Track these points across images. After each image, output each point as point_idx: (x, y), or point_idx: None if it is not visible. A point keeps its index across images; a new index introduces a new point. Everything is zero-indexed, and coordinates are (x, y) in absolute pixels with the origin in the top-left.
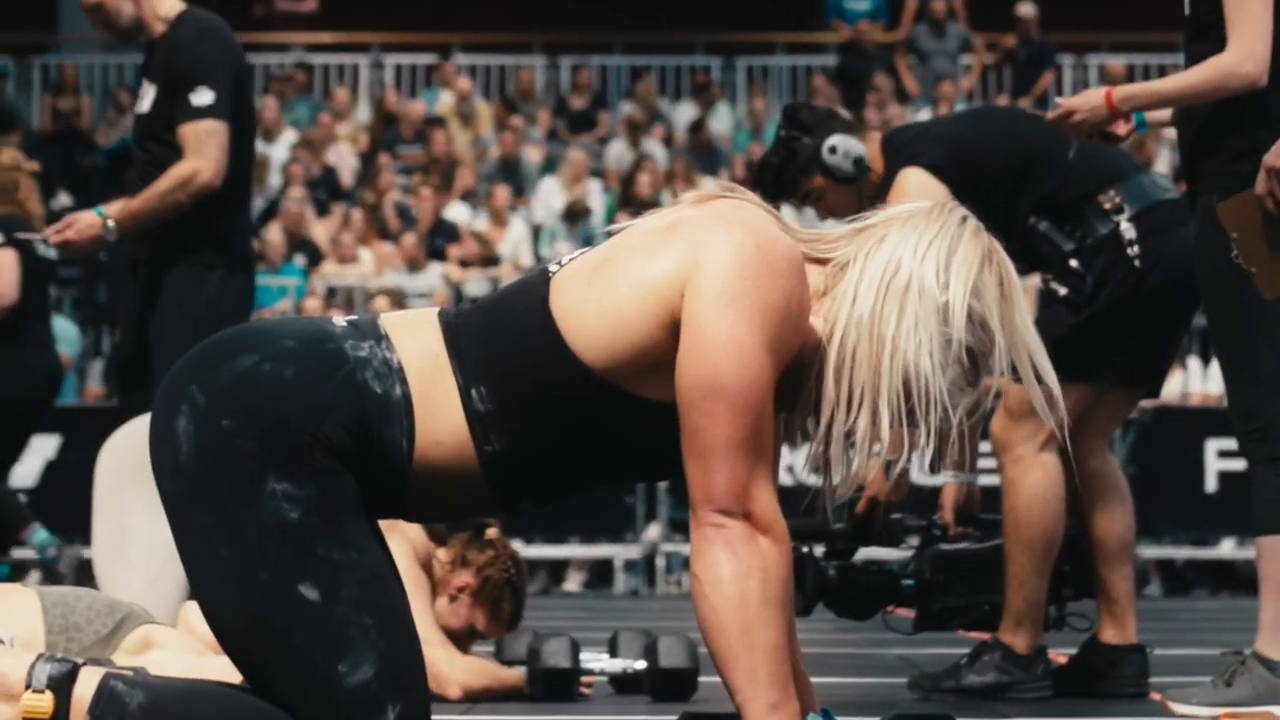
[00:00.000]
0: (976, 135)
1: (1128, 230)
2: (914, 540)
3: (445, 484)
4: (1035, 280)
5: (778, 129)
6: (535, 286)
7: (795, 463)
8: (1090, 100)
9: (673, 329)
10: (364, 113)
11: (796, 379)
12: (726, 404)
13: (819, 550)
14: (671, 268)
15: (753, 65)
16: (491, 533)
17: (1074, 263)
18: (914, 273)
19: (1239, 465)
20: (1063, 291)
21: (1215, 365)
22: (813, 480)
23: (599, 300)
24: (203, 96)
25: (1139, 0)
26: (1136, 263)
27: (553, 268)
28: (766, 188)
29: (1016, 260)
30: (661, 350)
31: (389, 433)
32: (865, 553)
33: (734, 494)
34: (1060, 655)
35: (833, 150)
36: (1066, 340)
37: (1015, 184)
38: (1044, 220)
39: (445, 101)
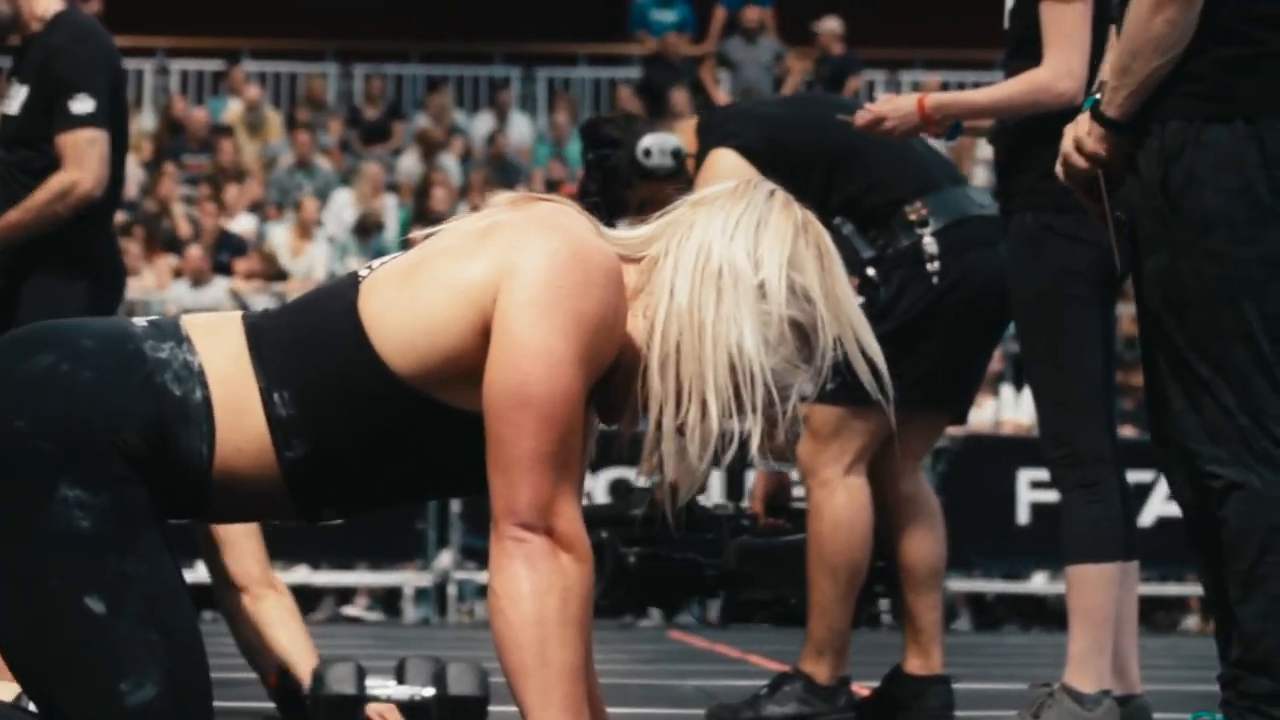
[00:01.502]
0: (795, 119)
1: (930, 245)
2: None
3: (245, 491)
4: None
5: (583, 153)
6: (344, 290)
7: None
8: (902, 106)
9: (484, 335)
10: (148, 120)
11: (625, 384)
12: (534, 415)
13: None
14: (485, 272)
15: (554, 77)
16: None
17: (870, 271)
18: (725, 255)
19: (1052, 496)
20: (859, 300)
21: (1028, 393)
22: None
23: (409, 304)
24: (83, 104)
25: (955, 16)
26: (935, 279)
27: (363, 271)
28: (598, 214)
29: None
30: (472, 357)
31: (187, 437)
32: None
33: (537, 508)
34: (863, 688)
35: (647, 153)
36: None
37: (825, 177)
38: (849, 223)
39: (233, 109)
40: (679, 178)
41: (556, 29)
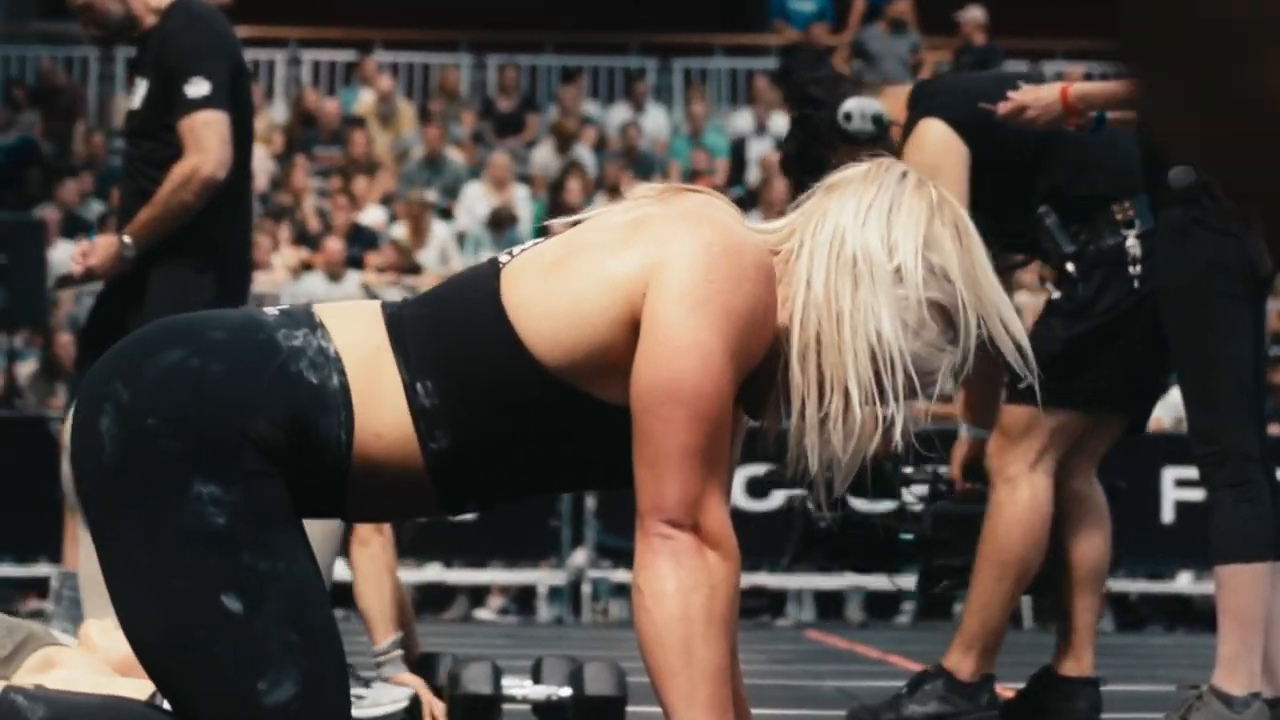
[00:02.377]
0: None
1: (1134, 247)
2: (920, 492)
3: (385, 482)
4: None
5: (789, 112)
6: (485, 279)
7: None
8: (1044, 96)
9: (633, 329)
10: (279, 112)
11: (769, 378)
12: (685, 410)
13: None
14: (635, 265)
15: (690, 67)
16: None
17: (1070, 267)
18: (859, 241)
19: (1196, 495)
20: (1056, 295)
21: (1175, 391)
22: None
23: (556, 295)
24: (198, 87)
25: (1099, 5)
26: (1136, 283)
27: (503, 258)
28: (794, 173)
29: (1023, 247)
30: (619, 350)
31: (325, 425)
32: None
33: (684, 505)
34: (1006, 689)
35: (848, 117)
36: (1061, 357)
37: (1033, 160)
38: (1053, 214)
39: (365, 101)
40: (879, 144)
41: (692, 19)
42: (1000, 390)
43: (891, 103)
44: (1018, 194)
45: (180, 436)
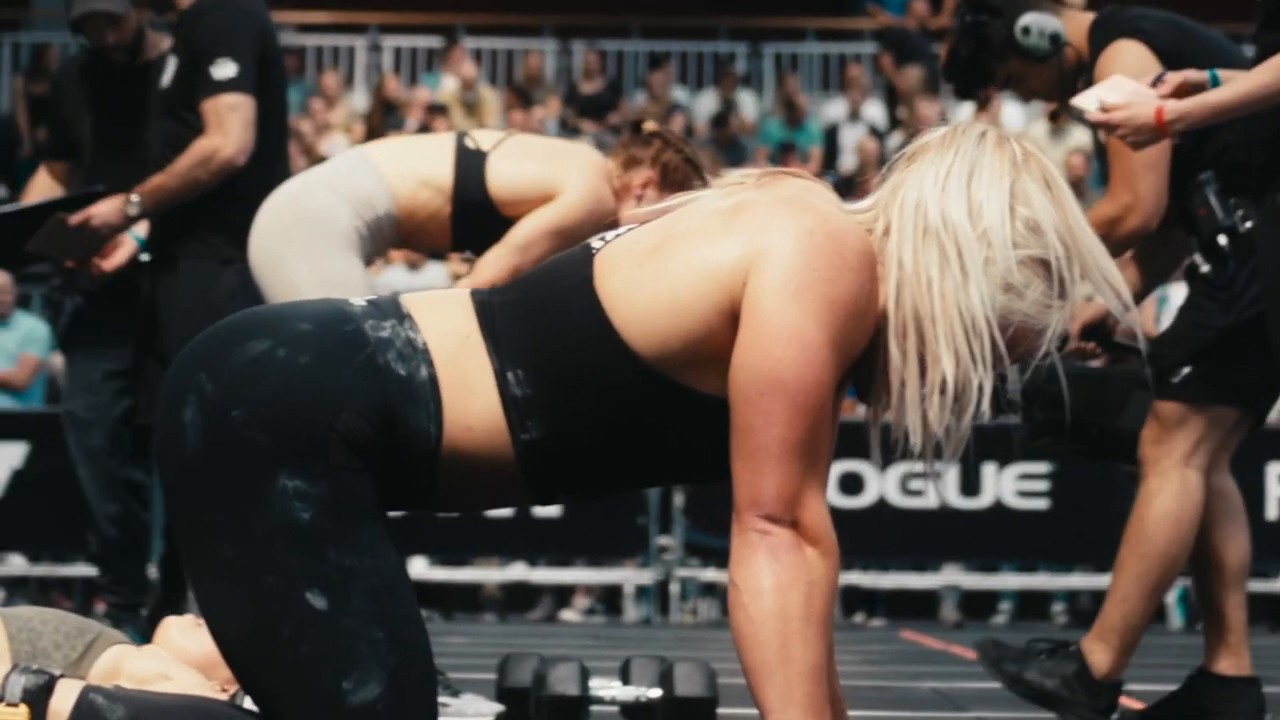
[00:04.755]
0: (1197, 34)
1: None
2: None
3: (475, 473)
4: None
5: (959, 14)
6: (578, 265)
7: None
8: (1138, 116)
9: (732, 318)
10: (360, 100)
11: (873, 363)
12: (785, 402)
13: None
14: (735, 253)
15: (781, 52)
16: (649, 125)
17: (1223, 241)
18: (941, 211)
19: None
20: (1205, 268)
21: None
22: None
23: (653, 283)
24: (224, 69)
25: None
26: None
27: (595, 244)
28: (959, 80)
29: (1175, 217)
30: (719, 340)
31: (414, 417)
32: None
33: (783, 500)
34: (1133, 701)
35: (1026, 31)
36: (1218, 348)
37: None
38: (1216, 183)
39: (448, 88)
40: (1051, 62)
41: (784, 3)
42: (1150, 273)
43: (1072, 25)
44: (1190, 153)
45: (265, 429)
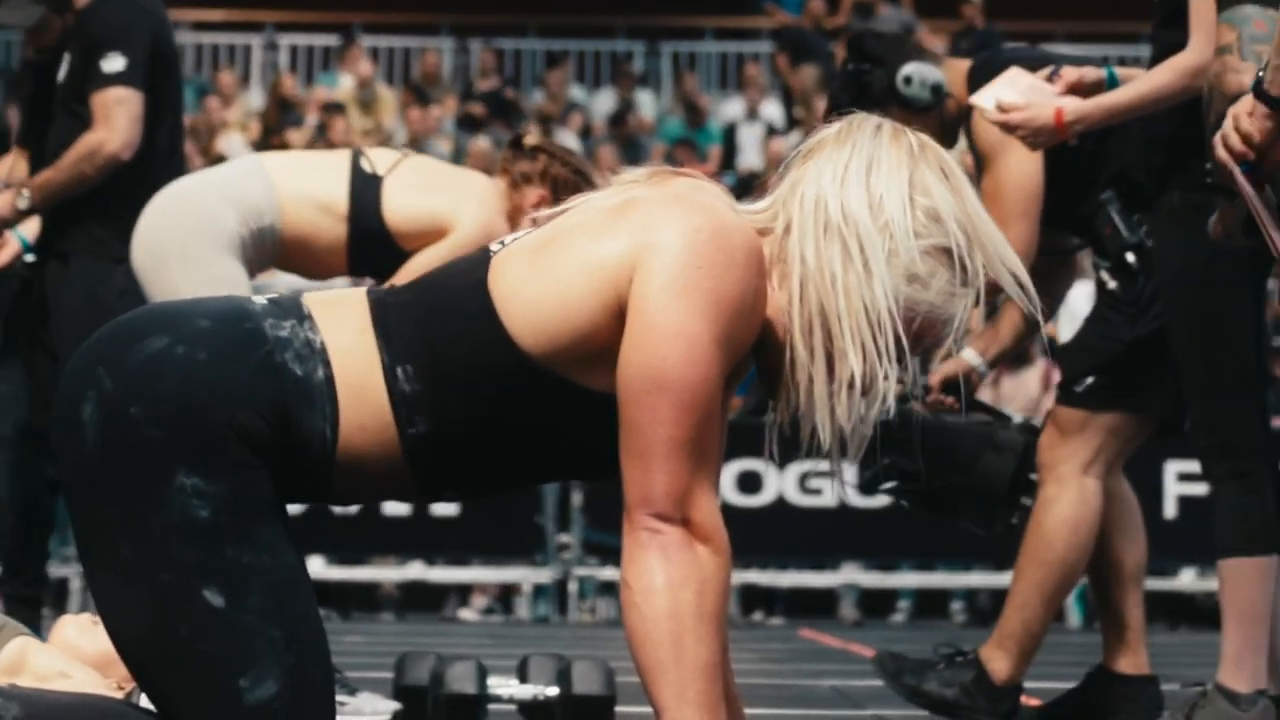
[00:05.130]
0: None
1: None
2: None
3: (369, 470)
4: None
5: (843, 63)
6: (474, 266)
7: None
8: (1037, 118)
9: (618, 315)
10: (256, 98)
11: (779, 361)
12: (672, 400)
13: None
14: (621, 250)
15: (679, 51)
16: (530, 139)
17: (1130, 258)
18: (841, 206)
19: (1200, 489)
20: (1112, 284)
21: None
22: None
23: (541, 281)
24: (113, 63)
25: None
26: None
27: (494, 247)
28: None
29: (1081, 232)
30: (604, 337)
31: (310, 419)
32: None
33: (673, 498)
34: (1031, 699)
35: (907, 81)
36: (1123, 359)
37: (1099, 138)
38: (1118, 201)
39: (345, 86)
40: (933, 112)
41: (682, 3)
42: (1018, 334)
43: (951, 74)
44: (1087, 177)
45: (163, 426)
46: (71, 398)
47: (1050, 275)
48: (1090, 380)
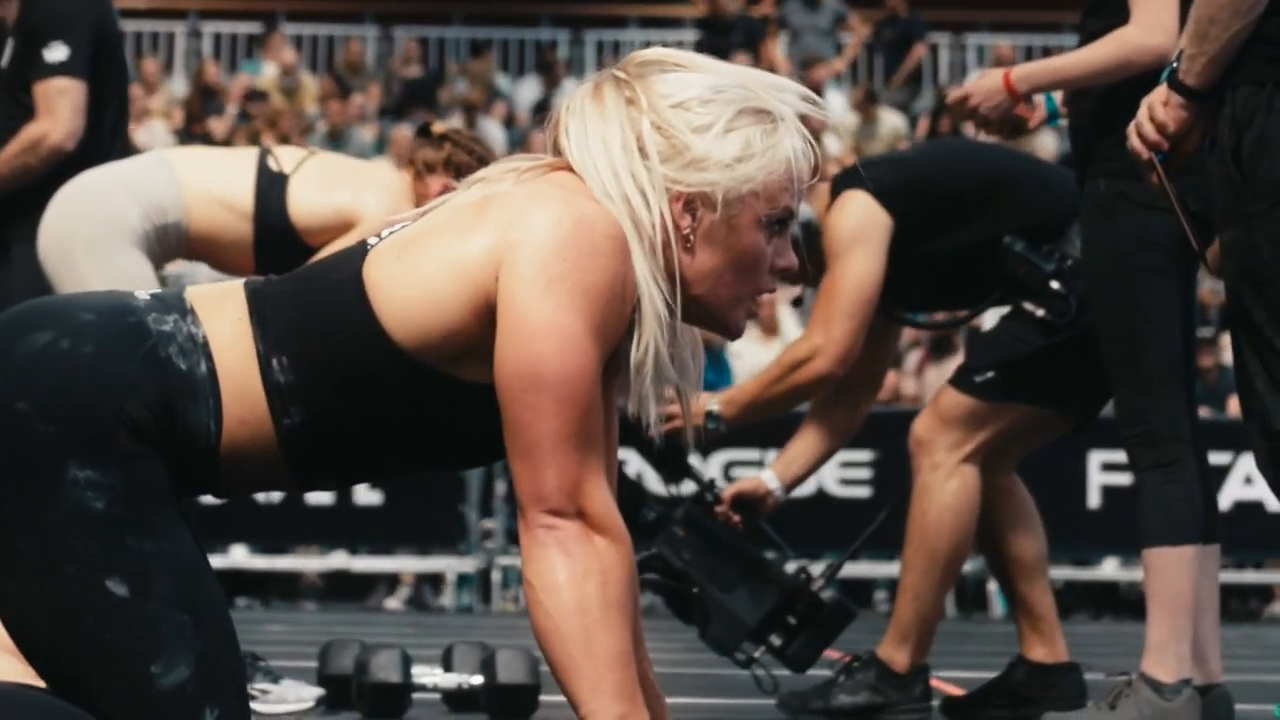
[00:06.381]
0: (938, 160)
1: None
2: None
3: (250, 462)
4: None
5: None
6: (352, 258)
7: None
8: (986, 84)
9: (487, 313)
10: (179, 86)
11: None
12: (551, 396)
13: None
14: (484, 248)
15: (603, 40)
16: (438, 127)
17: (1055, 284)
18: (618, 172)
19: (1123, 479)
20: (1040, 313)
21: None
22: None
23: (409, 279)
24: (56, 52)
25: None
26: None
27: (372, 240)
28: None
29: (999, 285)
30: (475, 334)
31: (195, 414)
32: None
33: (565, 492)
34: (954, 688)
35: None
36: (1029, 360)
37: (982, 208)
38: (1019, 241)
39: (268, 74)
40: (813, 244)
41: None
42: (819, 456)
43: (818, 203)
44: (979, 241)
45: (53, 420)
46: None
47: (838, 409)
48: (991, 374)
